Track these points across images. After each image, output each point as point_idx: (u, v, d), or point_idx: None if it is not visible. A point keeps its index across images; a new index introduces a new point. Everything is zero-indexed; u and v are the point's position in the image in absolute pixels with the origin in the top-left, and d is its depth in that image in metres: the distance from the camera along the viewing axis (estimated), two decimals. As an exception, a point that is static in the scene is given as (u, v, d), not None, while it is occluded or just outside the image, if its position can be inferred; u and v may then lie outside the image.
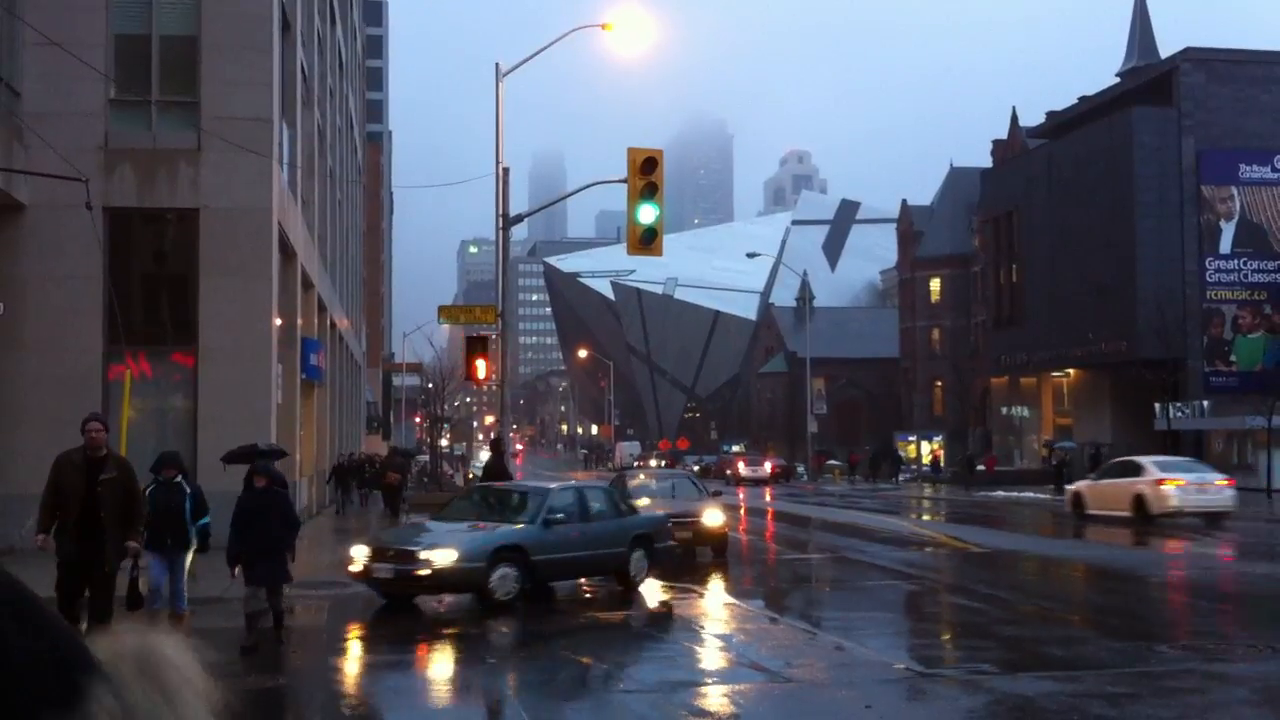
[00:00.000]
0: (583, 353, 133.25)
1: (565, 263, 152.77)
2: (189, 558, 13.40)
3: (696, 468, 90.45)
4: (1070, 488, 38.31)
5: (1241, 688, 11.00)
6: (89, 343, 23.40)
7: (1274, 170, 55.40)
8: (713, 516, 22.87)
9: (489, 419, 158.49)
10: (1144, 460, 34.11)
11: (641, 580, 18.39)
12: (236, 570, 13.47)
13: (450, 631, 15.10)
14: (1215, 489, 32.48)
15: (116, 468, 11.49)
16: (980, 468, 65.08)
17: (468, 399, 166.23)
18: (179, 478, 13.43)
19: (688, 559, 22.29)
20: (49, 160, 21.15)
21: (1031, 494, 51.63)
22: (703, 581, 19.65)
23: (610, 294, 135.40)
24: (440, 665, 13.53)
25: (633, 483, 25.16)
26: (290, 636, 13.88)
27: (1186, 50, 57.45)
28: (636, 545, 18.39)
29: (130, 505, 11.46)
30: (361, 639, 14.64)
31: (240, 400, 23.71)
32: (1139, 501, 31.92)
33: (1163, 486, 31.77)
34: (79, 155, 21.83)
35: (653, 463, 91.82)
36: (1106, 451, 55.49)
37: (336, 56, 43.25)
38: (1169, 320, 46.98)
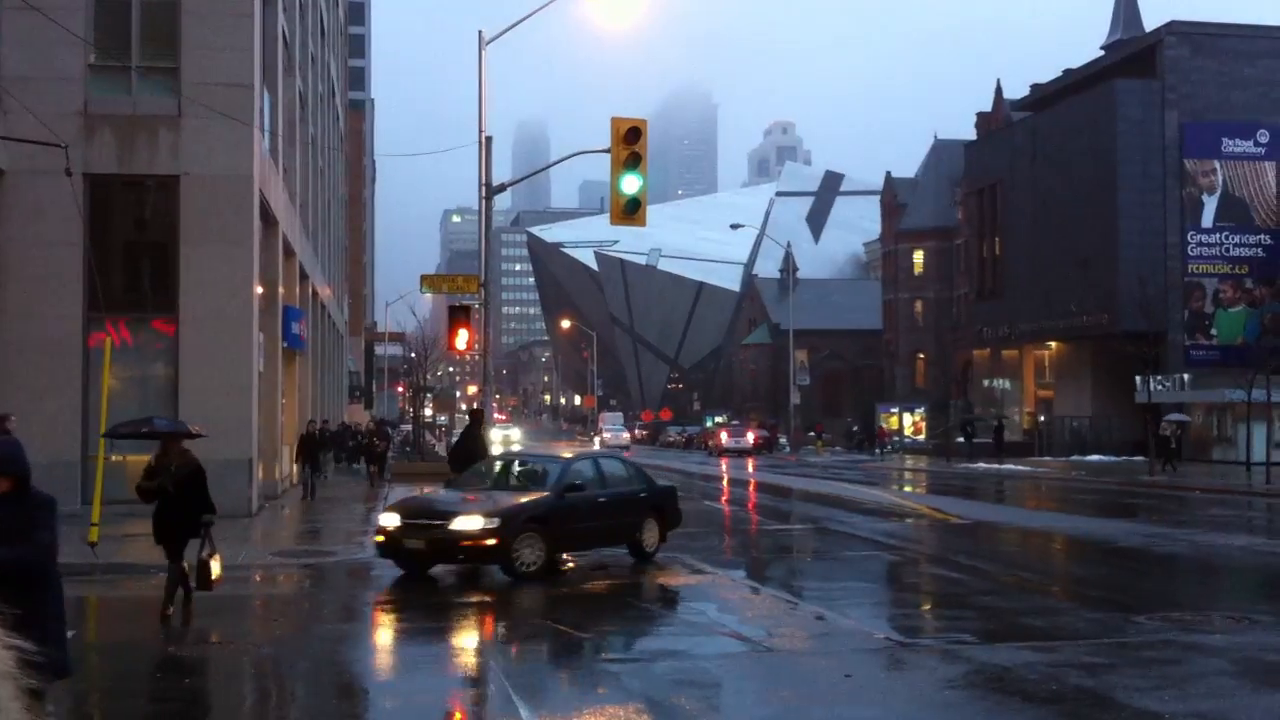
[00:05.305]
0: (566, 323, 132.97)
1: (549, 233, 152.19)
2: None
3: (679, 437, 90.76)
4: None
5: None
6: (69, 310, 23.28)
7: (1256, 144, 55.47)
8: (468, 522, 16.07)
9: (471, 389, 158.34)
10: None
11: None
12: None
13: None
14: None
15: None
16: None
17: (450, 368, 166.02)
18: None
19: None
20: (28, 126, 20.97)
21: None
22: (676, 551, 19.65)
23: (593, 264, 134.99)
24: None
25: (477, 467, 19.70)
26: None
27: (1171, 23, 57.38)
28: None
29: None
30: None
31: (221, 368, 23.64)
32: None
33: None
34: (58, 121, 21.64)
35: (610, 435, 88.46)
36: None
37: (318, 22, 42.90)
38: (1150, 293, 47.03)
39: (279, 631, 13.25)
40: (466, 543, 16.00)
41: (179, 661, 11.65)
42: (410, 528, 16.34)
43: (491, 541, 15.91)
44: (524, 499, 17.09)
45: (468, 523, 16.03)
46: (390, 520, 16.70)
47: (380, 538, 16.80)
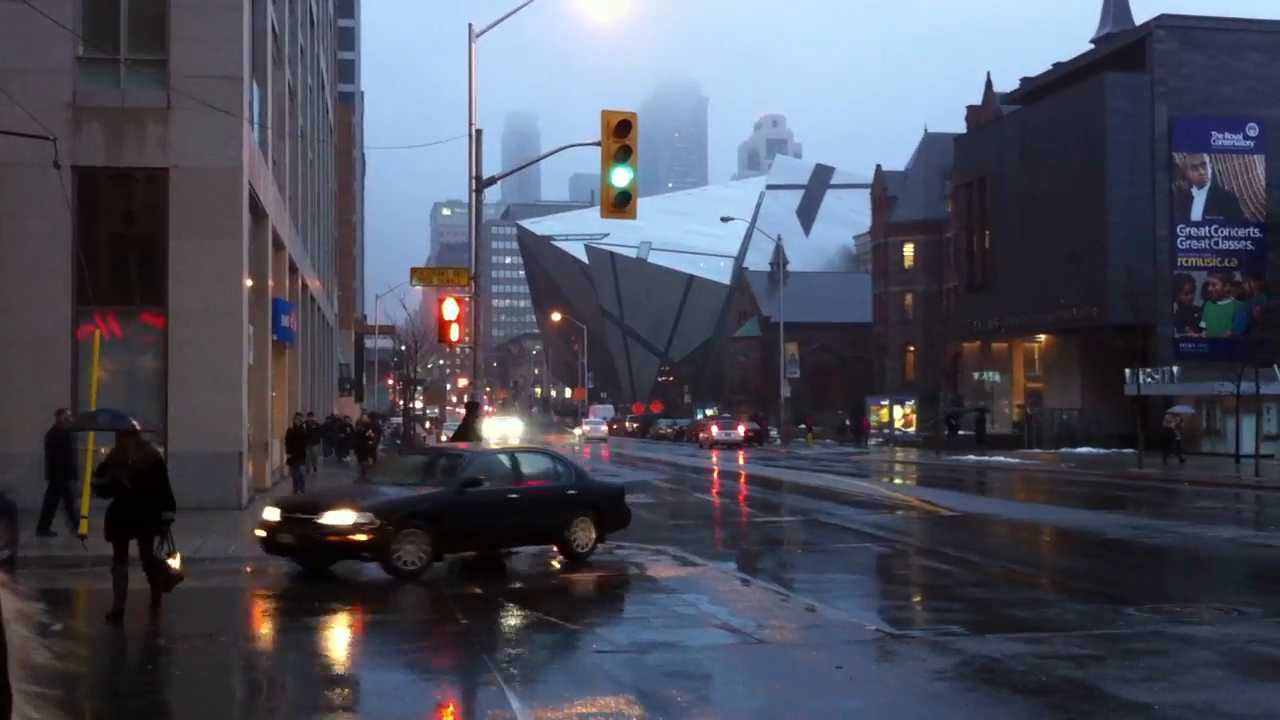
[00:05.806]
0: (556, 316, 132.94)
1: (539, 225, 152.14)
2: None
3: (670, 430, 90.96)
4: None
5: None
6: (57, 303, 23.19)
7: (1246, 138, 55.60)
8: (338, 516, 15.26)
9: (462, 381, 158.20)
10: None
11: None
12: None
13: None
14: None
15: None
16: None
17: (440, 361, 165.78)
18: None
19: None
20: (16, 118, 20.87)
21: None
22: (666, 544, 19.65)
23: (584, 257, 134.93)
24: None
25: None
26: None
27: (1160, 17, 57.48)
28: None
29: None
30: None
31: (210, 361, 23.58)
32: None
33: None
34: (46, 113, 21.54)
35: (589, 427, 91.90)
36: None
37: (307, 14, 42.76)
38: (1140, 286, 47.12)
39: (269, 623, 13.24)
40: (334, 538, 15.12)
41: (168, 653, 11.63)
42: (287, 522, 15.51)
43: (363, 537, 15.05)
44: (412, 493, 16.16)
45: (338, 517, 15.15)
46: (271, 514, 15.84)
47: (261, 532, 15.81)
